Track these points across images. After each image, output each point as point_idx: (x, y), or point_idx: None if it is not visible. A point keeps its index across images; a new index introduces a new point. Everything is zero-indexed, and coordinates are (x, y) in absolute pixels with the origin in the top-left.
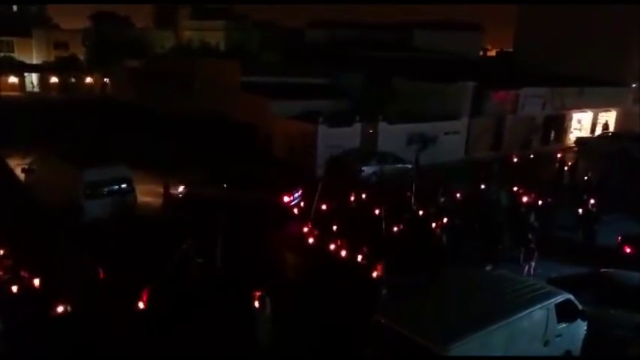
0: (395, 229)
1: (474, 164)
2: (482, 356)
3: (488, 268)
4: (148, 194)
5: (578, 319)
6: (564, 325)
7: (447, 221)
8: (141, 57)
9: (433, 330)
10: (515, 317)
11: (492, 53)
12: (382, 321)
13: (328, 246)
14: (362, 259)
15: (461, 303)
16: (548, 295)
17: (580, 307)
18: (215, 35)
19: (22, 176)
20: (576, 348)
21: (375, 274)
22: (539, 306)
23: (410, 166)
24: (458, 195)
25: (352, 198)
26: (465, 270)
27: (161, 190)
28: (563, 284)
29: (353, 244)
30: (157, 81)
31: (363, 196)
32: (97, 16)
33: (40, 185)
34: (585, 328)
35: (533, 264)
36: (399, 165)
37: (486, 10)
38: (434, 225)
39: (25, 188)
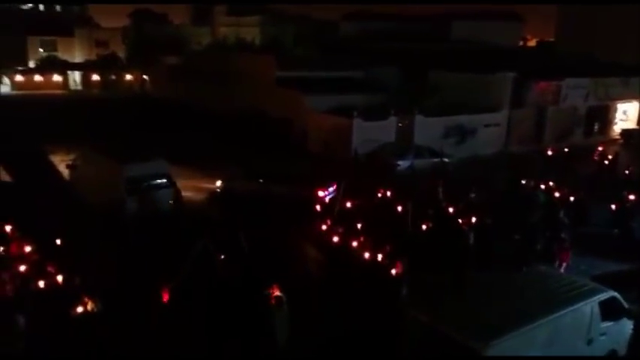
0: (423, 226)
1: (513, 157)
2: (520, 356)
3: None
4: (186, 189)
5: (624, 318)
6: (609, 323)
7: (477, 219)
8: (178, 54)
9: (473, 327)
10: (557, 314)
11: (532, 43)
12: (420, 318)
13: (350, 243)
14: (383, 258)
15: (502, 300)
16: (593, 293)
17: (626, 305)
18: (250, 31)
19: (66, 172)
20: (622, 347)
21: (394, 272)
22: (582, 303)
23: (447, 160)
24: (491, 191)
25: (379, 194)
26: (504, 268)
27: (201, 185)
28: (607, 281)
29: (376, 242)
30: (194, 77)
31: (389, 192)
32: (135, 14)
33: (84, 181)
34: (631, 327)
35: (565, 263)
36: (436, 159)
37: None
38: (462, 222)
39: (69, 184)
